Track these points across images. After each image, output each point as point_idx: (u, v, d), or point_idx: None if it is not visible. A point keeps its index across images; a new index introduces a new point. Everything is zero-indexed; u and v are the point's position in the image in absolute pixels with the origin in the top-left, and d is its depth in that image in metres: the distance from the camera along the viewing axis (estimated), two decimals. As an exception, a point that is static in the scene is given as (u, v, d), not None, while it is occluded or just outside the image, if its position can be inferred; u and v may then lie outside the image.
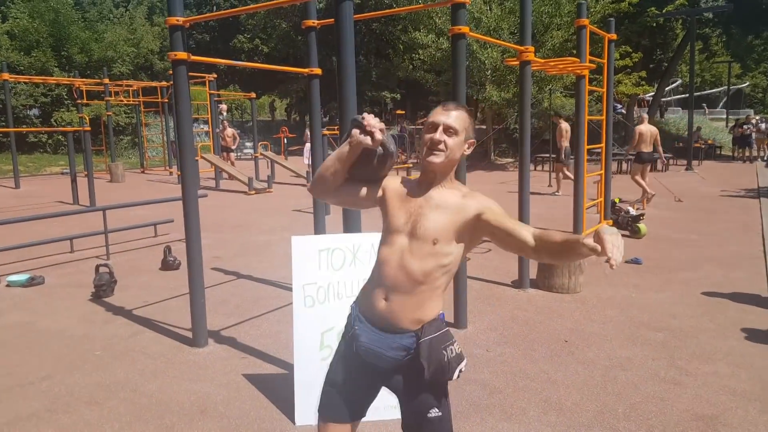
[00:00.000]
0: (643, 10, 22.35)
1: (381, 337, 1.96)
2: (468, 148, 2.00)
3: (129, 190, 14.87)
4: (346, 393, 2.04)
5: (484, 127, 23.80)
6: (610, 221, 8.34)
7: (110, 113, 19.02)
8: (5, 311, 5.36)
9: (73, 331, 4.83)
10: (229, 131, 17.38)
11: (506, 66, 16.44)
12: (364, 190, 2.07)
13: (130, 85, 19.39)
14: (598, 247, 1.58)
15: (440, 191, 1.97)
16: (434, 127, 1.93)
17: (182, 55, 4.11)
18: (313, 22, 5.20)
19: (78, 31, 26.00)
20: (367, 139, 1.90)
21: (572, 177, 8.73)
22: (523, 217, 5.76)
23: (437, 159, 1.92)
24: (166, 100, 18.38)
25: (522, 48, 5.68)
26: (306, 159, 17.35)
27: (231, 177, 15.23)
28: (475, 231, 1.94)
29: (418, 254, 1.91)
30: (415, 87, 29.18)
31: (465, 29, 4.48)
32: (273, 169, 17.10)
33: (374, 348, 1.97)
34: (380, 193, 2.06)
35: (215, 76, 17.11)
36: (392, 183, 2.05)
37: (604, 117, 8.34)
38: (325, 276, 3.39)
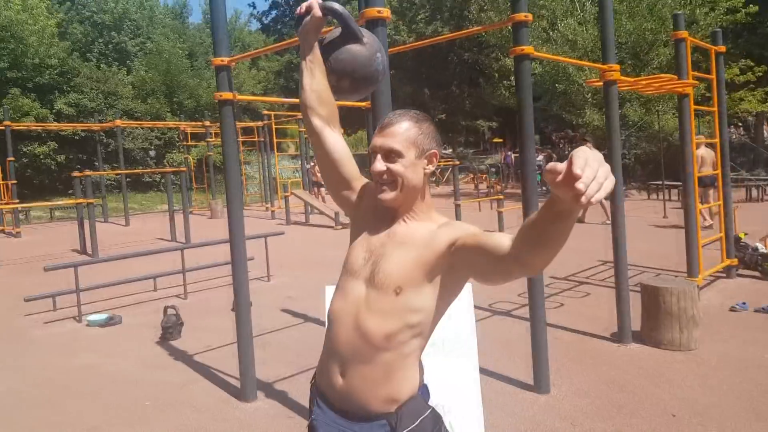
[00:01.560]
0: (765, 20, 20.46)
1: (345, 428, 1.52)
2: (428, 163, 1.56)
3: (222, 226, 15.32)
4: None
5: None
6: (735, 260, 7.22)
7: (211, 153, 19.96)
8: (78, 352, 5.45)
9: (133, 376, 4.76)
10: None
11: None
12: (351, 165, 1.71)
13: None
14: (559, 167, 1.02)
15: (408, 224, 1.56)
16: (373, 154, 1.54)
17: (227, 95, 3.99)
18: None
19: (187, 79, 27.93)
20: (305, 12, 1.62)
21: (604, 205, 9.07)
22: (618, 252, 5.04)
23: (387, 196, 1.53)
24: (262, 139, 19.02)
25: (605, 67, 5.11)
26: None
27: (320, 212, 15.32)
28: (453, 269, 1.46)
29: (378, 310, 1.48)
30: (513, 114, 28.44)
31: (528, 49, 4.04)
32: (307, 209, 17.00)
33: None
34: (358, 193, 1.69)
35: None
36: (368, 191, 1.67)
37: (717, 139, 7.44)
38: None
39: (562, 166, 1.01)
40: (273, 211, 16.63)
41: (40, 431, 3.86)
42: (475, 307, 6.03)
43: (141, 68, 27.44)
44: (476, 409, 2.88)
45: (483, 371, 4.37)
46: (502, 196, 13.23)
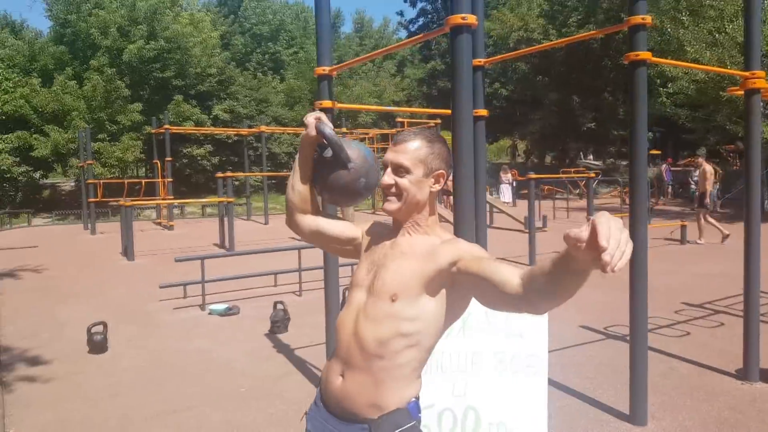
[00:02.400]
0: None
1: (330, 427, 1.58)
2: (435, 183, 1.61)
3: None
4: None
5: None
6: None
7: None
8: (195, 337, 5.92)
9: (237, 364, 5.09)
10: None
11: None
12: (340, 226, 1.79)
13: (366, 133, 20.95)
14: (583, 236, 1.04)
15: (412, 236, 1.63)
16: (384, 167, 1.63)
17: (327, 103, 4.14)
18: (481, 61, 4.86)
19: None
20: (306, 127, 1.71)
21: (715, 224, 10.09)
22: (750, 279, 4.52)
23: (391, 206, 1.61)
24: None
25: (747, 74, 4.60)
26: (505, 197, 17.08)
27: (445, 220, 15.31)
28: (456, 287, 1.48)
29: (374, 315, 1.53)
30: (674, 124, 26.39)
31: (644, 55, 3.75)
32: (491, 213, 16.77)
33: None
34: (359, 237, 1.76)
35: (438, 121, 17.53)
36: (372, 228, 1.78)
37: None
38: (430, 342, 2.99)
39: (584, 235, 1.04)
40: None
41: (148, 404, 4.26)
42: (590, 329, 5.83)
43: (291, 76, 29.18)
44: (541, 430, 2.73)
45: (580, 396, 4.18)
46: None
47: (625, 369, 3.89)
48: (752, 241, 4.55)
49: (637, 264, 3.81)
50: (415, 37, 4.17)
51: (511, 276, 1.31)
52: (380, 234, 1.72)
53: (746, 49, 4.71)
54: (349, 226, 1.82)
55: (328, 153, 1.73)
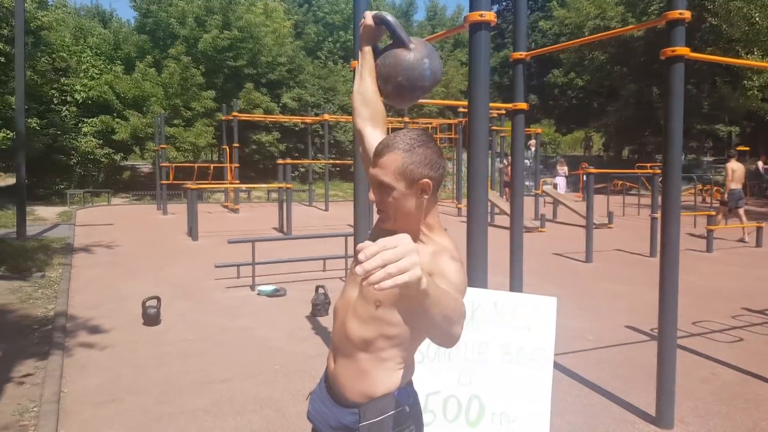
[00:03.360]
0: None
1: (325, 409, 1.68)
2: (422, 192, 1.53)
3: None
4: None
5: None
6: None
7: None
8: (241, 315, 6.23)
9: (275, 342, 5.34)
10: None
11: None
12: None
13: (429, 123, 20.94)
14: (360, 255, 1.05)
15: None
16: (370, 183, 1.58)
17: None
18: (522, 54, 4.85)
19: (397, 76, 29.24)
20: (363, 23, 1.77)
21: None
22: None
23: (384, 223, 1.59)
24: (457, 136, 19.33)
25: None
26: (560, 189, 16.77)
27: (503, 213, 15.15)
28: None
29: (360, 316, 1.58)
30: (764, 119, 24.85)
31: (682, 51, 3.65)
32: (555, 208, 16.47)
33: (315, 422, 1.71)
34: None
35: (503, 112, 17.33)
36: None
37: None
38: (439, 329, 3.07)
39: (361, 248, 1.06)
40: (460, 208, 16.85)
41: (189, 374, 4.55)
42: (635, 329, 5.73)
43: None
44: (543, 424, 2.78)
45: (608, 395, 4.17)
46: (714, 213, 11.86)
47: (660, 372, 3.82)
48: None
49: (666, 264, 3.74)
50: (438, 33, 4.21)
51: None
52: (382, 234, 1.63)
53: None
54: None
55: (387, 45, 1.78)
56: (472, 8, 2.93)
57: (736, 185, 11.61)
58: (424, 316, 1.23)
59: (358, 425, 1.58)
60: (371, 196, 1.57)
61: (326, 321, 6.02)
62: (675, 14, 3.65)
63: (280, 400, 4.06)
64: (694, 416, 3.91)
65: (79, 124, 21.68)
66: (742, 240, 11.95)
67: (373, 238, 1.60)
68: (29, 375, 4.56)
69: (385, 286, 1.03)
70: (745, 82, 18.49)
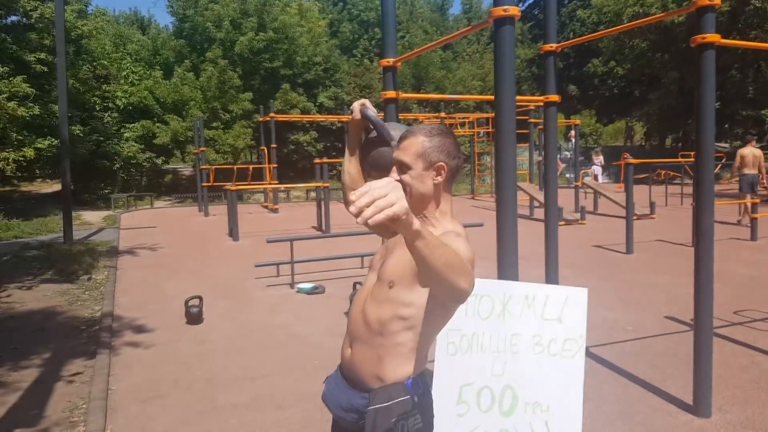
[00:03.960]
0: None
1: (339, 391, 1.78)
2: (437, 175, 1.69)
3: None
4: None
5: None
6: None
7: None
8: (281, 312, 6.36)
9: (314, 339, 5.44)
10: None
11: None
12: None
13: (466, 117, 20.84)
14: (351, 196, 1.18)
15: None
16: (392, 165, 1.71)
17: (391, 93, 4.32)
18: (552, 46, 4.82)
19: (434, 71, 29.17)
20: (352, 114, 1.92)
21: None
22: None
23: None
24: (494, 130, 19.21)
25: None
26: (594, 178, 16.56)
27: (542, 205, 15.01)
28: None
29: (377, 298, 1.68)
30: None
31: (712, 37, 3.58)
32: (596, 199, 16.21)
33: (328, 403, 1.82)
34: None
35: (540, 104, 17.10)
36: None
37: None
38: (471, 324, 3.10)
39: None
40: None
41: (231, 370, 4.70)
42: (675, 320, 5.64)
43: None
44: (576, 413, 2.79)
45: (645, 385, 4.16)
46: (757, 200, 11.53)
47: (697, 362, 3.79)
48: None
49: (702, 252, 3.69)
50: (463, 30, 4.22)
51: None
52: None
53: None
54: None
55: (373, 134, 1.94)
56: (496, 3, 2.94)
57: (749, 170, 11.81)
58: (425, 262, 1.29)
59: (366, 408, 1.66)
60: (392, 176, 1.69)
61: (363, 317, 6.11)
62: (705, 1, 3.58)
63: (319, 395, 4.13)
64: (732, 404, 3.87)
65: (121, 130, 22.35)
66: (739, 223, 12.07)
67: None
68: (78, 374, 4.77)
69: (378, 219, 1.12)
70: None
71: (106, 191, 21.41)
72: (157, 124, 22.37)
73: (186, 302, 6.06)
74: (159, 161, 24.32)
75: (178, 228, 14.48)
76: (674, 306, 6.23)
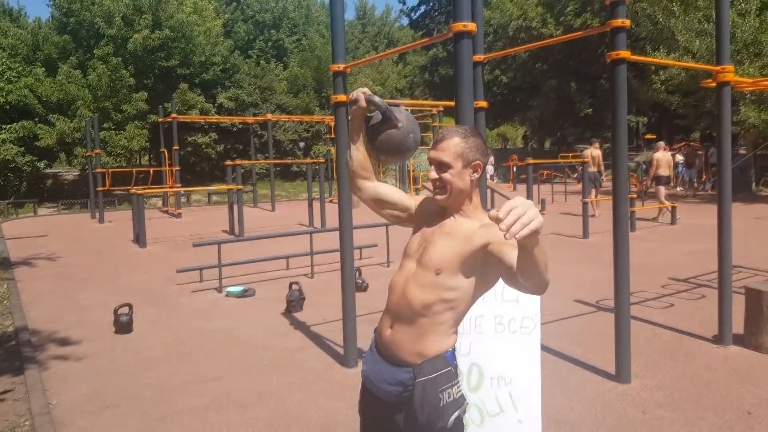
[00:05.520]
0: None
1: (381, 368, 1.92)
2: (474, 172, 1.87)
3: (360, 215, 16.20)
4: (366, 426, 2.06)
5: (744, 152, 20.77)
6: None
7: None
8: (216, 317, 6.32)
9: (257, 340, 5.50)
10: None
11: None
12: (399, 195, 2.08)
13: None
14: (493, 214, 1.34)
15: (456, 219, 1.90)
16: (430, 164, 1.90)
17: (342, 97, 4.50)
18: (480, 57, 5.20)
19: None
20: (353, 101, 2.00)
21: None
22: (723, 253, 4.98)
23: (440, 197, 1.88)
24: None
25: (718, 68, 4.98)
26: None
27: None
28: (486, 266, 1.79)
29: (421, 283, 1.85)
30: (668, 110, 26.67)
31: (624, 54, 4.11)
32: (492, 198, 17.15)
33: (372, 379, 1.95)
34: (413, 208, 2.06)
35: (441, 108, 17.84)
36: (423, 203, 2.05)
37: None
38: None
39: (495, 213, 1.33)
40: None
41: (178, 375, 4.66)
42: (583, 302, 6.26)
43: (295, 64, 29.33)
44: (535, 383, 3.14)
45: (572, 360, 4.63)
46: (634, 195, 12.85)
47: (613, 337, 4.30)
48: (724, 220, 5.07)
49: (618, 237, 4.22)
50: (421, 40, 4.51)
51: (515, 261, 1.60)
52: (430, 210, 1.98)
53: (717, 45, 5.10)
54: (406, 197, 2.09)
55: (376, 119, 2.03)
56: (456, 19, 3.23)
57: (592, 168, 13.82)
58: (534, 264, 1.49)
59: (413, 381, 1.84)
60: (432, 174, 1.86)
61: (302, 316, 6.22)
62: (618, 22, 4.11)
63: (278, 392, 4.26)
64: (646, 371, 4.46)
65: (-4, 131, 20.63)
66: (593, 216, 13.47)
67: (428, 217, 1.97)
68: (8, 391, 4.53)
69: (524, 234, 1.29)
70: (652, 76, 19.94)
71: (-22, 198, 19.62)
72: (39, 125, 20.83)
73: (115, 311, 5.87)
74: (41, 165, 22.63)
75: (72, 236, 13.67)
76: (579, 291, 6.89)
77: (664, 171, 13.28)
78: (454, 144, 1.86)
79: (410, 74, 39.49)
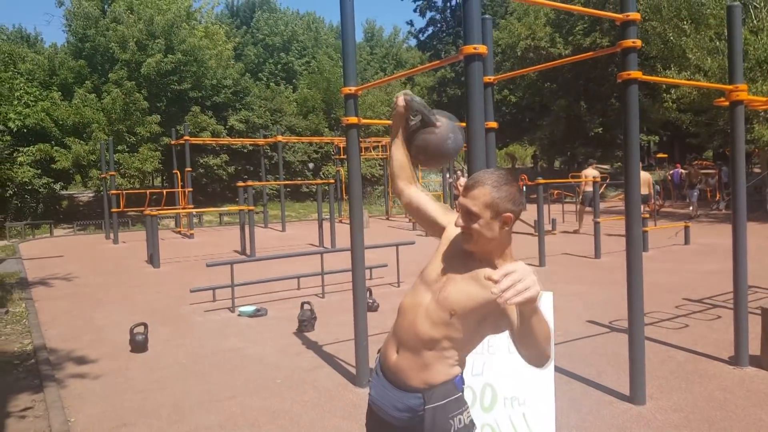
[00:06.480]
0: None
1: (389, 393, 1.90)
2: (503, 224, 1.77)
3: (370, 235, 16.26)
4: None
5: (758, 170, 20.68)
6: None
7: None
8: (229, 336, 6.37)
9: (270, 359, 5.53)
10: (462, 180, 18.08)
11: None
12: (437, 208, 2.08)
13: (380, 141, 21.40)
14: (494, 277, 1.35)
15: (480, 264, 1.82)
16: (459, 208, 1.83)
17: (353, 119, 4.59)
18: (490, 78, 5.28)
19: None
20: (396, 105, 2.06)
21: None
22: (738, 273, 4.97)
23: (467, 244, 1.82)
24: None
25: (730, 87, 5.01)
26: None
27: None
28: (501, 319, 1.73)
29: (433, 319, 1.82)
30: (680, 129, 26.68)
31: (635, 74, 4.16)
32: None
33: (380, 404, 1.93)
34: (445, 224, 2.01)
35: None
36: (455, 230, 1.96)
37: None
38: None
39: (493, 275, 1.37)
40: (414, 222, 17.31)
41: (193, 394, 4.70)
42: (596, 323, 6.24)
43: (304, 86, 29.73)
44: (549, 404, 3.15)
45: (585, 381, 4.61)
46: (647, 215, 12.80)
47: (627, 358, 4.30)
48: (739, 240, 5.00)
49: (632, 259, 4.22)
50: (432, 63, 4.59)
51: None
52: (461, 246, 1.86)
53: (729, 63, 5.12)
54: (441, 213, 2.06)
55: (416, 122, 2.08)
56: (466, 42, 3.31)
57: (587, 188, 14.54)
58: (531, 333, 1.52)
59: (423, 407, 1.83)
60: (459, 221, 1.80)
61: (314, 336, 6.25)
62: (628, 43, 4.16)
63: (291, 411, 4.29)
64: (660, 392, 4.42)
65: (14, 154, 20.96)
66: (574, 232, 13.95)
67: (454, 251, 1.91)
68: (28, 408, 4.60)
69: (516, 301, 1.33)
70: (664, 94, 19.94)
71: (-1, 219, 19.93)
72: (55, 148, 21.18)
73: (131, 330, 5.94)
74: (57, 187, 22.95)
75: (88, 257, 13.81)
76: (591, 311, 6.87)
77: (643, 190, 13.31)
78: (485, 193, 1.75)
79: (419, 95, 39.81)
